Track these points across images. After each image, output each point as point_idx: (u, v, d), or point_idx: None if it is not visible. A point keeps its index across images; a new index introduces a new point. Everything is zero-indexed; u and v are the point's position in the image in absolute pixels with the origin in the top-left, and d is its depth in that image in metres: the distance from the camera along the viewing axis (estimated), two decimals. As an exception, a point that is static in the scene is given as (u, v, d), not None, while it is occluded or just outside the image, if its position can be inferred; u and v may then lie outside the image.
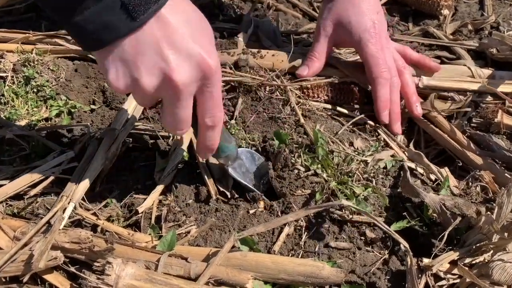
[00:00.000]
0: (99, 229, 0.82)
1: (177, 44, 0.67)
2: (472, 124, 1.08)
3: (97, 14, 0.64)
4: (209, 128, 0.77)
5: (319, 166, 0.88)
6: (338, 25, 1.08)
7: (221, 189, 0.89)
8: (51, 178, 0.90)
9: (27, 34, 1.19)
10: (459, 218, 0.76)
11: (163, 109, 0.74)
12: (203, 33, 0.71)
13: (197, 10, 0.73)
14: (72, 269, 0.74)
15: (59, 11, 0.67)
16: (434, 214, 0.83)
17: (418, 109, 1.07)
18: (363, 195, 0.82)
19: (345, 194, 0.82)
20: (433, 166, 0.94)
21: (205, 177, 0.90)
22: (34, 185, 0.89)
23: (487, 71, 1.15)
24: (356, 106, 1.09)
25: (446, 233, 0.74)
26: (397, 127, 1.05)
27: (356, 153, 0.95)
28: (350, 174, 0.88)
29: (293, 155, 0.91)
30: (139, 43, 0.66)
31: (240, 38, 1.23)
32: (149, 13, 0.65)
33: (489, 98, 1.11)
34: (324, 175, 0.87)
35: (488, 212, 0.75)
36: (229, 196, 0.88)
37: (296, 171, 0.88)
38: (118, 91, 0.71)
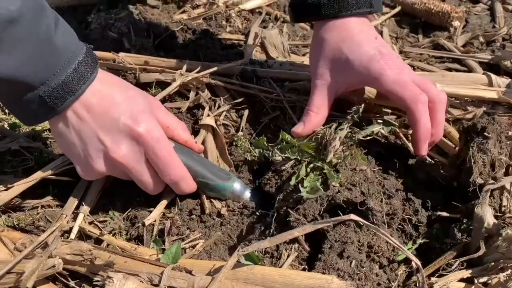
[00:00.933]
0: (103, 244, 0.80)
1: (107, 124, 0.76)
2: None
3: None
4: (173, 184, 0.82)
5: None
6: (335, 69, 0.89)
7: (217, 205, 0.87)
8: (52, 187, 0.88)
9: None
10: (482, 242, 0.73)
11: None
12: (131, 102, 0.78)
13: (122, 81, 0.82)
14: (72, 283, 0.72)
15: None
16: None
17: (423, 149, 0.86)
18: None
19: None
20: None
21: (201, 193, 0.88)
22: (33, 194, 0.87)
23: (506, 80, 1.12)
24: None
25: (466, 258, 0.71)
26: (425, 149, 0.87)
27: None
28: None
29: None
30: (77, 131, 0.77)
31: (247, 49, 1.22)
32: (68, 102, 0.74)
33: (503, 110, 1.08)
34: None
35: (508, 231, 0.72)
36: (221, 212, 0.86)
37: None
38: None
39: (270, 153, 0.87)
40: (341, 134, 0.84)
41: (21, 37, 0.68)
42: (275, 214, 0.81)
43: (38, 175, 0.86)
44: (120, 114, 0.76)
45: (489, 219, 0.75)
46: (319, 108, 0.89)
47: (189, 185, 0.83)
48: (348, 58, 0.87)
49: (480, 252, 0.72)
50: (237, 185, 0.87)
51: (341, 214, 0.74)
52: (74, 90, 0.73)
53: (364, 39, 0.88)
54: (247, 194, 0.87)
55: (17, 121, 1.04)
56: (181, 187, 0.83)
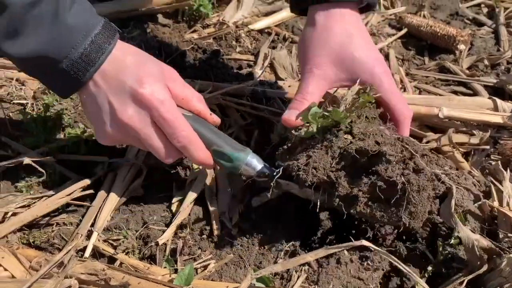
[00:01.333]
0: (116, 263, 0.81)
1: (116, 88, 0.79)
2: (490, 161, 1.06)
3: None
4: (182, 149, 0.82)
5: None
6: (338, 63, 0.87)
7: (228, 225, 0.89)
8: (65, 205, 0.90)
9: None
10: (486, 265, 0.74)
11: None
12: (140, 66, 0.80)
13: (140, 50, 0.84)
14: (86, 303, 0.74)
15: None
16: (461, 248, 0.81)
17: None
18: None
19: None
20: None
21: (211, 212, 0.89)
22: (49, 214, 0.89)
23: (511, 105, 1.14)
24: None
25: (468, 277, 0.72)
26: None
27: None
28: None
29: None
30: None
31: (257, 70, 1.25)
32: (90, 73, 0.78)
33: (508, 134, 1.10)
34: None
35: (511, 255, 0.74)
36: (232, 233, 0.87)
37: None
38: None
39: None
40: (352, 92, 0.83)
41: (42, 16, 0.74)
42: (280, 170, 0.79)
43: (59, 200, 0.89)
44: (127, 77, 0.79)
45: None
46: (312, 96, 0.85)
47: (202, 152, 0.83)
48: (354, 56, 0.86)
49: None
50: (251, 158, 0.85)
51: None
52: (94, 61, 0.77)
53: (369, 38, 0.90)
54: (261, 168, 0.84)
55: (31, 138, 1.05)
56: (192, 152, 0.82)
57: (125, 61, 0.80)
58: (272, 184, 0.80)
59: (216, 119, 0.89)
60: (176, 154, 0.84)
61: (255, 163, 0.85)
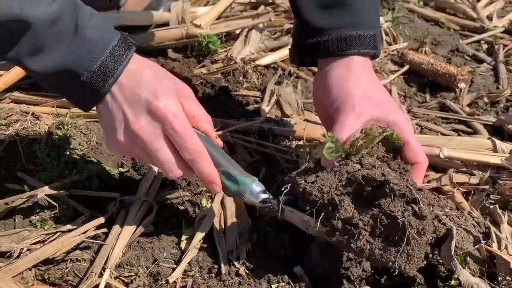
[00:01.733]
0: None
1: (131, 100, 0.82)
2: (490, 201, 1.10)
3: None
4: (191, 162, 0.84)
5: None
6: (369, 102, 0.90)
7: (236, 263, 0.91)
8: (80, 243, 0.93)
9: (62, 98, 1.25)
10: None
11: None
12: (157, 82, 0.83)
13: (156, 65, 0.88)
14: None
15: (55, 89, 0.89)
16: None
17: None
18: None
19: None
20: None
21: (219, 250, 0.92)
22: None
23: (510, 146, 1.17)
24: None
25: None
26: None
27: None
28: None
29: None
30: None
31: (264, 107, 1.29)
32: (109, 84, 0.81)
33: (507, 174, 1.13)
34: None
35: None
36: (240, 271, 0.90)
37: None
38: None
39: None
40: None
41: (62, 33, 0.79)
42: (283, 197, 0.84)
43: (74, 238, 0.92)
44: (143, 90, 0.82)
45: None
46: (350, 130, 0.87)
47: (209, 165, 0.86)
48: (381, 99, 0.92)
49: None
50: (256, 186, 0.88)
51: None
52: (112, 71, 0.81)
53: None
54: (265, 197, 0.88)
55: (46, 173, 1.09)
56: (201, 165, 0.85)
57: (142, 75, 0.84)
58: (275, 206, 0.84)
59: (220, 143, 0.92)
60: (181, 170, 0.86)
61: (260, 191, 0.88)
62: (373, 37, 0.95)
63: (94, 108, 0.87)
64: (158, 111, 0.82)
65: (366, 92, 0.91)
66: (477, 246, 0.90)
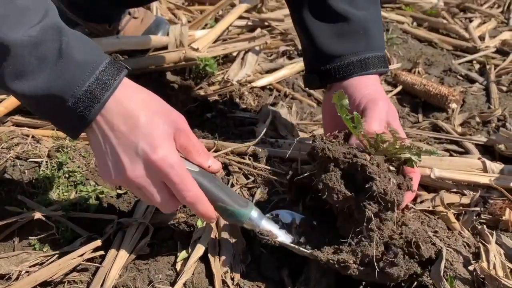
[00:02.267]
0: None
1: (127, 144, 0.82)
2: (481, 220, 1.11)
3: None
4: (190, 205, 0.87)
5: None
6: (391, 113, 1.05)
7: (230, 285, 0.93)
8: (78, 265, 0.95)
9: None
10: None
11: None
12: (152, 127, 0.83)
13: (148, 96, 0.86)
14: None
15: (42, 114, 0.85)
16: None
17: None
18: None
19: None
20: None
21: (214, 272, 0.94)
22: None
23: (499, 166, 1.19)
24: None
25: None
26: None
27: None
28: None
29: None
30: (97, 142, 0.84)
31: (259, 129, 1.32)
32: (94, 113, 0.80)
33: (497, 194, 1.15)
34: None
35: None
36: None
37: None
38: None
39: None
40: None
41: (46, 56, 0.76)
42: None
43: (71, 261, 0.95)
44: (139, 139, 0.81)
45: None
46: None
47: (206, 208, 0.88)
48: (391, 106, 1.06)
49: None
50: (254, 213, 0.92)
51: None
52: (98, 98, 0.79)
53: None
54: (264, 223, 0.93)
55: (45, 196, 1.12)
56: (198, 209, 0.87)
57: (138, 120, 0.82)
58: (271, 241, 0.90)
59: (215, 167, 0.93)
60: (176, 205, 0.89)
61: (257, 217, 0.93)
62: (384, 57, 1.10)
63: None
64: (155, 165, 0.82)
65: (385, 97, 1.06)
66: (467, 267, 0.92)
